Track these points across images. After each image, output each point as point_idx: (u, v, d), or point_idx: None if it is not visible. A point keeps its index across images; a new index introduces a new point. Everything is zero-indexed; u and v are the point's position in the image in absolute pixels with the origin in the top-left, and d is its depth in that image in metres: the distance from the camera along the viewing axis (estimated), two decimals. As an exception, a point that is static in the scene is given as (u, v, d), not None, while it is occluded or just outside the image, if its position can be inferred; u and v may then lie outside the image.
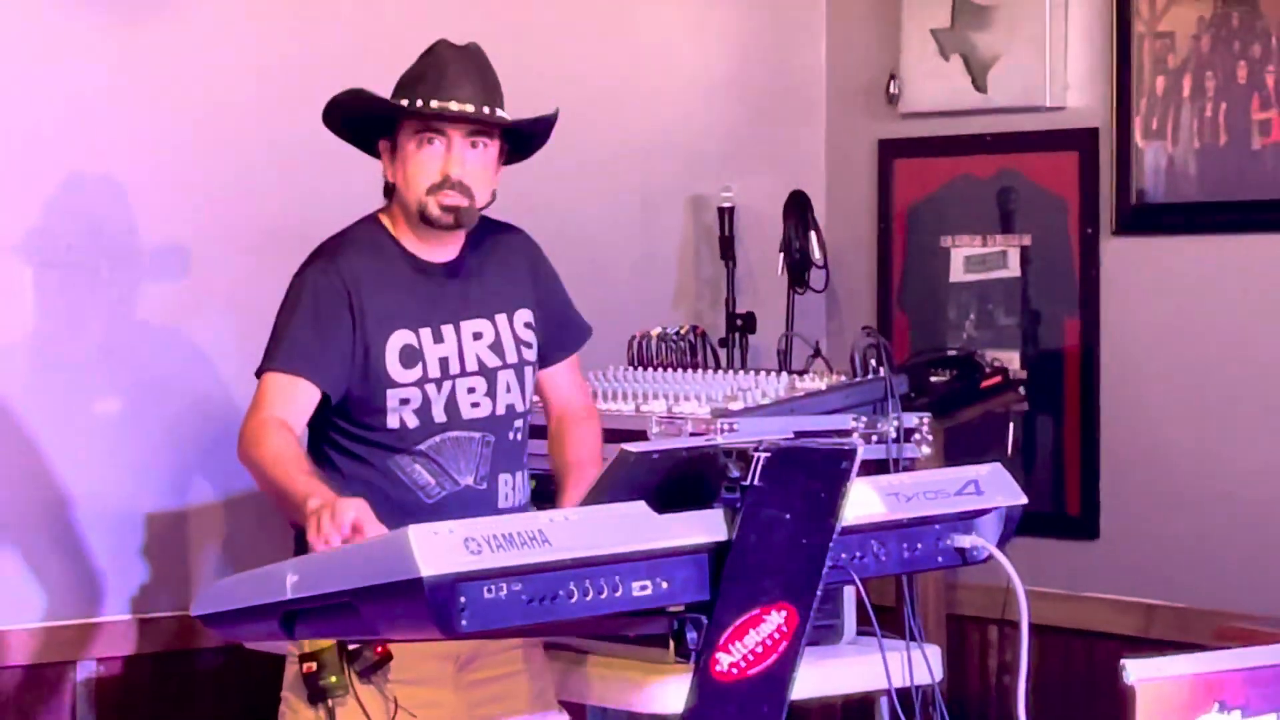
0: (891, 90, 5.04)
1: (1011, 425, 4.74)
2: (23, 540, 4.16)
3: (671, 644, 2.49)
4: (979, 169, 4.92)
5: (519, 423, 3.49)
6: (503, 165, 3.46)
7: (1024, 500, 2.79)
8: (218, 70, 4.37)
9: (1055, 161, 4.78)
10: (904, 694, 2.93)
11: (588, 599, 2.38)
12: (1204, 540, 4.55)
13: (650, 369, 4.37)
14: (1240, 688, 2.56)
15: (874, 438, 4.00)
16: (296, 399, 3.31)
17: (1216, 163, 4.52)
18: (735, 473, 2.46)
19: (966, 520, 2.74)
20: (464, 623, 2.29)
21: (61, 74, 4.20)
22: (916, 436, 4.07)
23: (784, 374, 4.24)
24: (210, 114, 4.35)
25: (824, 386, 4.13)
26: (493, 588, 2.31)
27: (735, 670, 2.46)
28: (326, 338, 3.34)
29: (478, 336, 3.45)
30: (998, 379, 4.58)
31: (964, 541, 2.73)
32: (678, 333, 4.50)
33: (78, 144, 4.22)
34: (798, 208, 4.89)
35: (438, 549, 2.27)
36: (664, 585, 2.43)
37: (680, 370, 4.35)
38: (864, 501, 2.60)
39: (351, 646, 3.28)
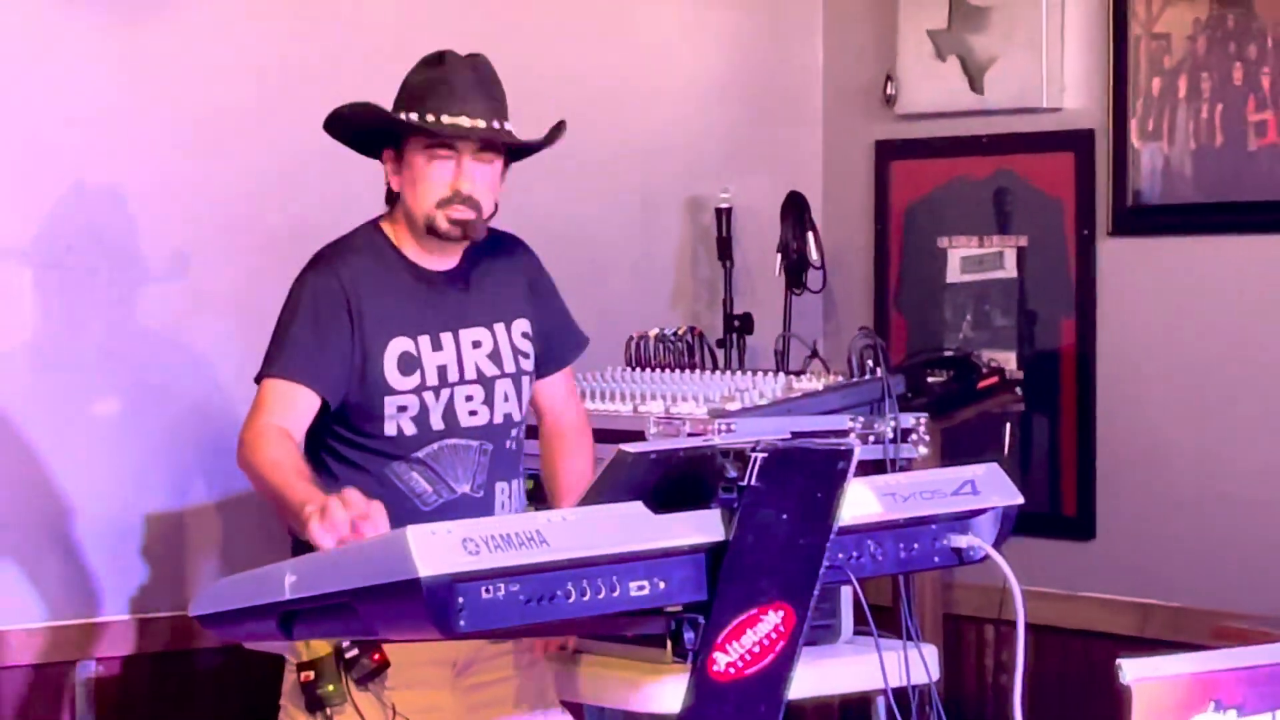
0: (888, 91, 5.04)
1: (1008, 425, 4.75)
2: (23, 541, 4.16)
3: (669, 644, 2.50)
4: (976, 170, 4.93)
5: (516, 431, 3.50)
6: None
7: (1020, 500, 2.80)
8: (218, 73, 4.37)
9: (1052, 163, 4.78)
10: (901, 693, 2.94)
11: (585, 599, 2.38)
12: (1200, 540, 4.55)
13: (648, 369, 4.37)
14: (1236, 687, 2.56)
15: (871, 438, 3.99)
16: (296, 406, 3.31)
17: (1212, 164, 4.52)
18: (733, 473, 2.46)
19: (963, 520, 2.75)
20: (462, 623, 2.29)
21: (62, 76, 4.20)
22: (913, 437, 4.07)
23: (781, 374, 4.24)
24: (210, 117, 4.35)
25: (821, 387, 4.13)
26: (490, 588, 2.31)
27: (733, 670, 2.47)
28: (326, 344, 3.34)
29: (476, 345, 3.45)
30: (994, 379, 4.58)
31: (960, 541, 2.74)
32: (675, 333, 4.50)
33: (77, 146, 4.22)
34: (795, 209, 4.89)
35: (436, 549, 2.27)
36: (661, 585, 2.44)
37: (678, 371, 4.35)
38: (861, 502, 2.61)
39: (349, 655, 3.29)
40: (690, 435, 3.70)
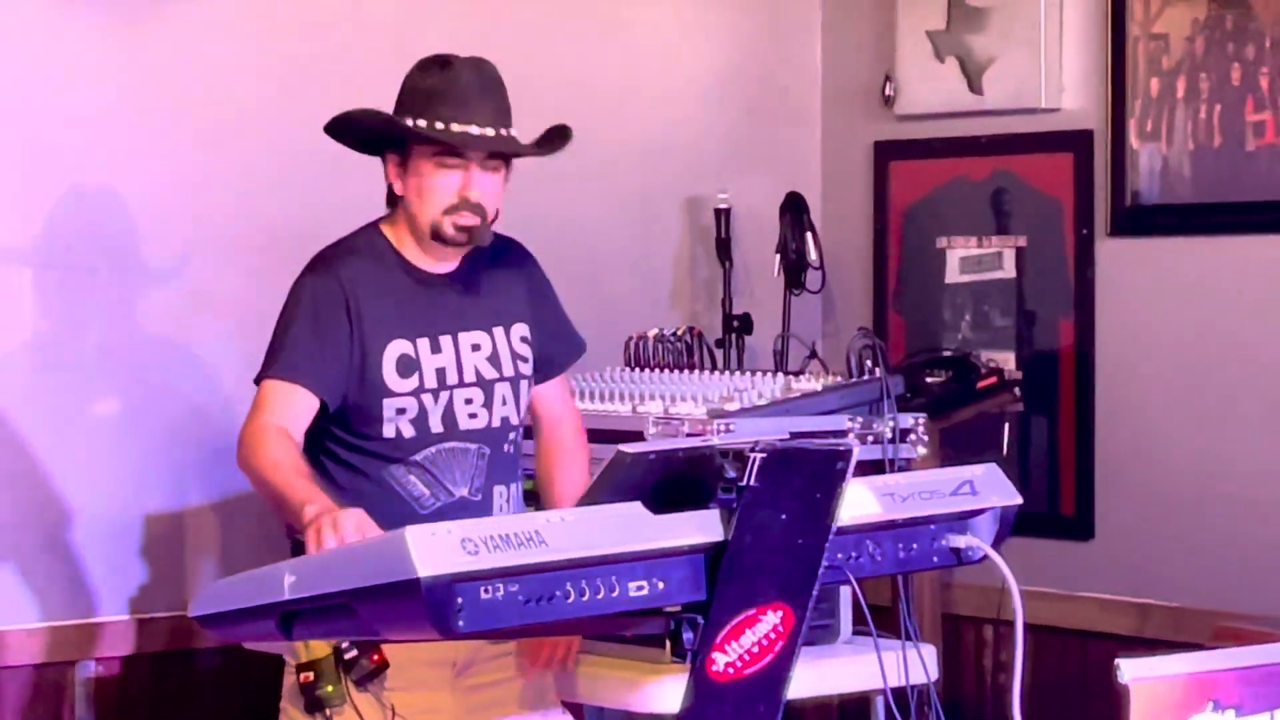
0: (887, 92, 5.05)
1: (1007, 426, 4.75)
2: (22, 542, 4.16)
3: (668, 644, 2.50)
4: (974, 171, 4.93)
5: (514, 435, 3.50)
6: None
7: (1019, 500, 2.80)
8: (218, 74, 4.37)
9: (1050, 163, 4.78)
10: (899, 693, 2.94)
11: (584, 599, 2.39)
12: (1198, 540, 4.56)
13: (647, 370, 4.37)
14: (1234, 687, 2.56)
15: (870, 438, 4.00)
16: (295, 406, 3.32)
17: (1211, 164, 4.53)
18: (731, 473, 2.47)
19: (962, 520, 2.75)
20: (461, 623, 2.30)
21: (62, 77, 4.20)
22: (912, 437, 4.07)
23: (780, 375, 4.25)
24: (210, 118, 4.35)
25: (820, 387, 4.13)
26: (489, 588, 2.31)
27: (731, 670, 2.47)
28: (325, 346, 3.35)
29: (475, 348, 3.45)
30: (993, 379, 4.59)
31: (959, 541, 2.74)
32: (674, 334, 4.51)
33: (77, 147, 4.22)
34: (794, 209, 4.89)
35: (435, 549, 2.28)
36: (660, 585, 2.44)
37: (677, 371, 4.35)
38: (860, 502, 2.61)
39: (348, 655, 3.29)
40: (689, 435, 3.69)
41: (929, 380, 4.51)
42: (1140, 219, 4.66)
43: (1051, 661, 4.65)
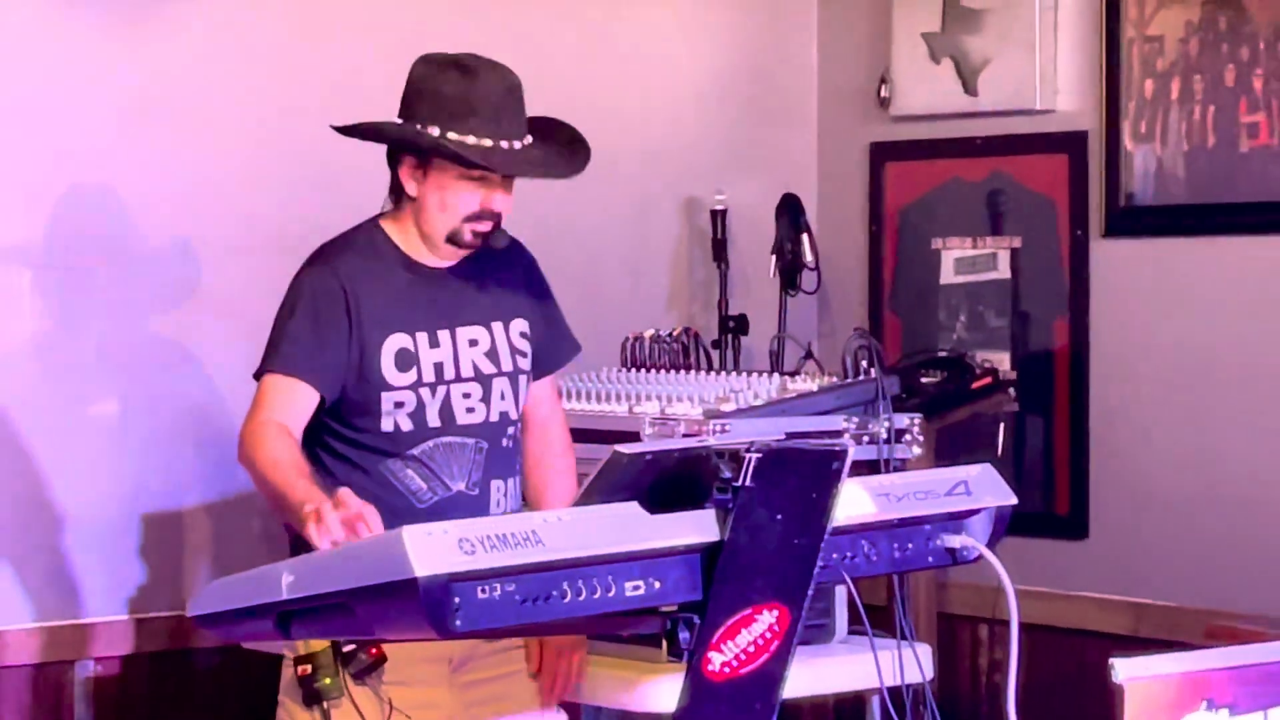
0: (882, 93, 5.05)
1: (1001, 426, 4.74)
2: (21, 542, 4.16)
3: (664, 643, 2.51)
4: (969, 172, 4.93)
5: (512, 430, 3.51)
6: None
7: (1014, 500, 2.81)
8: (218, 74, 4.37)
9: (1045, 164, 4.78)
10: (895, 692, 2.96)
11: (581, 599, 2.40)
12: (1192, 539, 4.56)
13: (643, 370, 4.38)
14: (1228, 686, 2.57)
15: (865, 438, 4.00)
16: (295, 402, 3.33)
17: (1205, 165, 4.53)
18: (727, 473, 2.48)
19: (957, 520, 2.76)
20: (458, 623, 2.31)
21: (61, 78, 4.20)
22: (907, 437, 4.07)
23: (776, 375, 4.25)
24: (210, 118, 4.35)
25: (815, 388, 4.13)
26: (486, 588, 2.33)
27: (728, 669, 2.48)
28: (324, 340, 3.35)
29: (473, 343, 3.46)
30: (988, 380, 4.58)
31: (954, 541, 2.75)
32: (671, 334, 4.51)
33: (77, 148, 4.22)
34: (789, 210, 4.90)
35: (432, 549, 2.29)
36: (656, 585, 2.45)
37: (673, 372, 4.35)
38: (855, 502, 2.62)
39: (346, 649, 3.28)
40: (685, 436, 3.72)
41: (924, 380, 4.51)
42: (1135, 220, 4.66)
43: (1046, 661, 4.64)
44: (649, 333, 4.50)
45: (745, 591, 2.48)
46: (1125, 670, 2.50)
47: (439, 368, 3.42)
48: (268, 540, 4.27)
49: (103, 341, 4.25)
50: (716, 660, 2.47)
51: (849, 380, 4.14)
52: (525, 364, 3.53)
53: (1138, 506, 4.66)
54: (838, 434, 3.92)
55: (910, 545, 2.73)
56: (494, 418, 3.46)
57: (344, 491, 3.00)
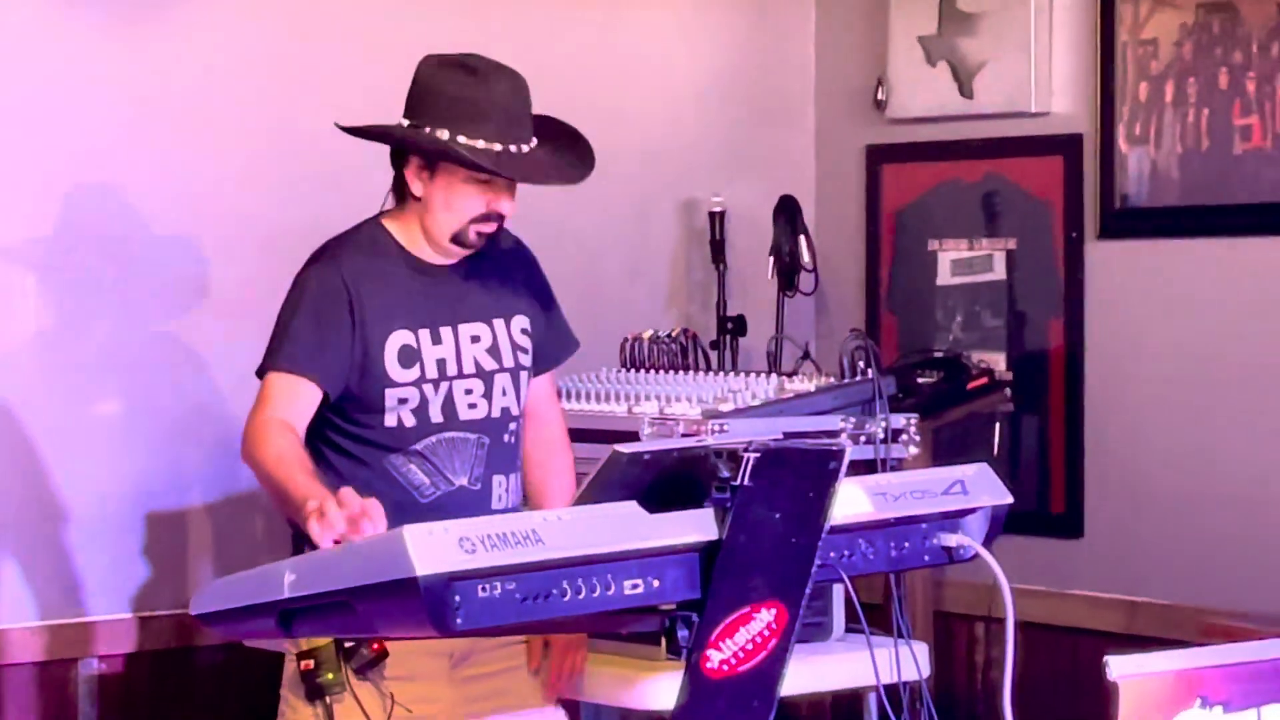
0: (879, 96, 5.06)
1: (997, 426, 4.75)
2: (25, 540, 4.18)
3: (663, 641, 2.51)
4: (965, 174, 4.94)
5: (514, 425, 3.51)
6: None
7: (1009, 499, 2.81)
8: (220, 75, 4.37)
9: (1040, 166, 4.79)
10: (892, 690, 2.95)
11: (580, 597, 2.40)
12: (1186, 538, 4.57)
13: (642, 371, 4.38)
14: (1222, 684, 2.58)
15: (862, 438, 3.99)
16: (299, 399, 3.34)
17: (1198, 167, 4.54)
18: (725, 473, 2.48)
19: (953, 519, 2.76)
20: (459, 621, 2.31)
21: (64, 79, 4.21)
22: (904, 437, 4.07)
23: (774, 376, 4.25)
24: (211, 118, 4.36)
25: (813, 388, 4.13)
26: (487, 586, 2.33)
27: (726, 667, 2.48)
28: (327, 338, 3.36)
29: (475, 339, 3.47)
30: (984, 380, 4.58)
31: (951, 540, 2.74)
32: (669, 335, 4.50)
33: (80, 148, 4.23)
34: (787, 212, 4.91)
35: (433, 548, 2.29)
36: (655, 584, 2.45)
37: (672, 372, 4.36)
38: (852, 501, 2.62)
39: (348, 644, 3.29)
40: (684, 436, 3.70)
41: (921, 381, 4.51)
42: (1129, 221, 4.67)
43: (1042, 658, 4.66)
44: (648, 333, 4.51)
45: (743, 590, 2.48)
46: (1120, 668, 2.51)
47: (441, 364, 3.43)
48: (270, 539, 4.29)
49: (107, 341, 4.25)
50: (715, 658, 2.48)
51: (846, 380, 4.13)
52: (526, 360, 3.54)
53: (1132, 505, 4.67)
54: (835, 434, 3.90)
55: (907, 544, 2.72)
56: (496, 413, 3.48)
57: (345, 491, 3.00)
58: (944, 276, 4.99)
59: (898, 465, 4.03)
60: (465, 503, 3.40)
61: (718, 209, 4.94)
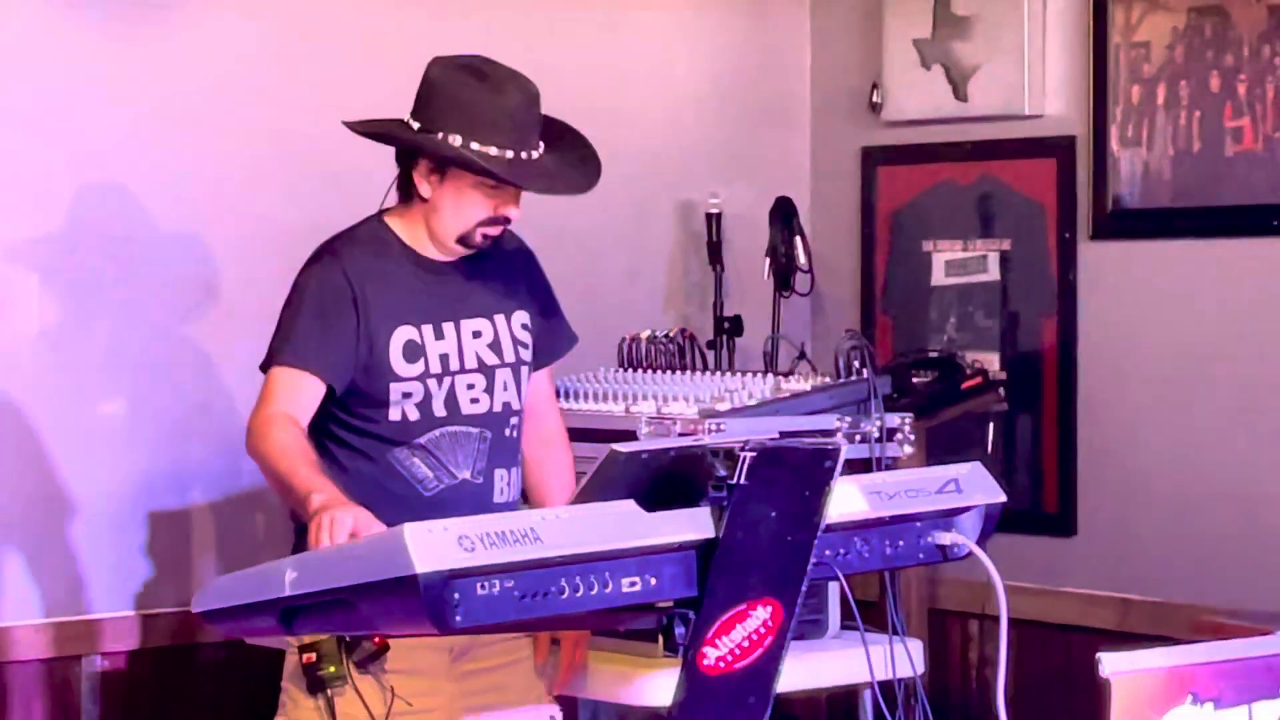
0: (874, 99, 5.06)
1: (991, 425, 4.76)
2: (29, 539, 4.18)
3: (660, 639, 2.52)
4: (960, 175, 4.94)
5: (515, 419, 3.53)
6: None
7: (1003, 498, 2.82)
8: (223, 75, 4.37)
9: (1034, 168, 4.80)
10: (887, 687, 2.94)
11: (578, 595, 2.40)
12: (1178, 536, 4.58)
13: (640, 370, 4.38)
14: (1213, 680, 2.58)
15: (857, 437, 4.00)
16: (303, 393, 3.35)
17: (1190, 169, 4.54)
18: (722, 472, 2.49)
19: (947, 518, 2.77)
20: (458, 618, 2.32)
21: (66, 80, 4.20)
22: (899, 436, 4.08)
23: (770, 375, 4.25)
24: (215, 118, 4.36)
25: (809, 387, 4.13)
26: (486, 584, 2.34)
27: (722, 664, 2.49)
28: (332, 333, 3.37)
29: (477, 335, 3.49)
30: (978, 380, 4.58)
31: (945, 538, 2.76)
32: (667, 335, 4.49)
33: (84, 148, 4.23)
34: (783, 213, 4.89)
35: (432, 546, 2.30)
36: (653, 581, 2.46)
37: (669, 372, 4.35)
38: (847, 499, 2.63)
39: (349, 638, 3.29)
40: (681, 435, 3.73)
41: (915, 380, 4.51)
42: (1121, 223, 4.67)
43: (1035, 655, 4.65)
44: (645, 334, 4.50)
45: (740, 587, 2.48)
46: (1112, 665, 2.51)
47: (445, 359, 3.45)
48: (272, 537, 4.29)
49: (109, 340, 4.25)
50: (712, 655, 2.48)
51: (842, 380, 4.13)
52: (527, 355, 3.55)
53: (1125, 504, 4.67)
54: (830, 433, 3.91)
55: (902, 542, 2.73)
56: (497, 408, 3.49)
57: (343, 511, 3.01)
58: (939, 277, 5.00)
59: (893, 464, 4.03)
60: (468, 496, 3.42)
61: (715, 210, 4.93)
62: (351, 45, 4.56)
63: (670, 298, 5.07)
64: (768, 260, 4.89)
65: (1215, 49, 4.51)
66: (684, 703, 2.50)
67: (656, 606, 2.51)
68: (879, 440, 4.01)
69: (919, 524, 2.75)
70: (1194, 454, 4.57)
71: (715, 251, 4.94)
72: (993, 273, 4.90)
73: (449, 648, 3.44)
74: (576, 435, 3.77)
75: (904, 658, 3.00)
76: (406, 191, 3.47)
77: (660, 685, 3.64)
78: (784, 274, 4.88)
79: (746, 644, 2.50)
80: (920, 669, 3.24)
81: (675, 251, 5.08)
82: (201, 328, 4.38)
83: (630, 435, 3.81)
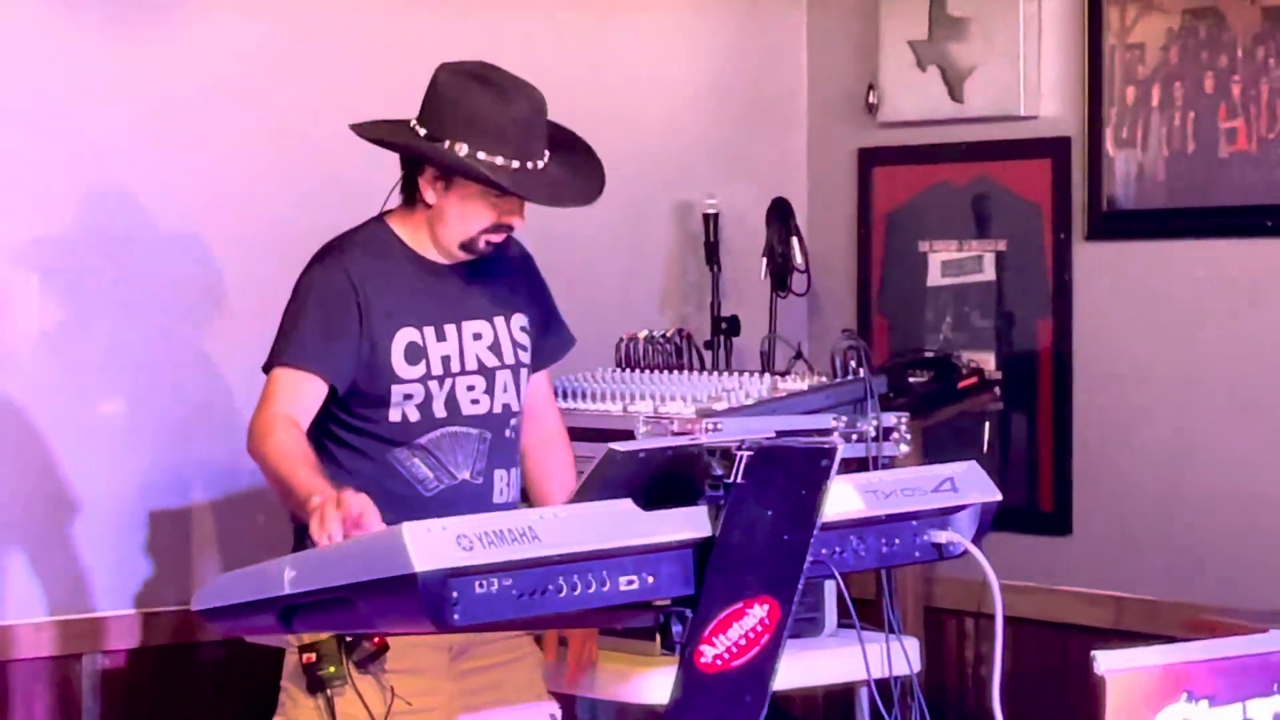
0: (870, 100, 5.06)
1: (987, 424, 4.76)
2: (30, 538, 4.18)
3: (658, 637, 2.53)
4: (955, 176, 4.94)
5: (514, 421, 3.54)
6: None
7: (999, 497, 2.82)
8: (224, 76, 4.37)
9: (1029, 169, 4.79)
10: (883, 684, 2.94)
11: (576, 593, 2.40)
12: (1172, 535, 4.58)
13: (637, 370, 4.38)
14: (1207, 678, 2.57)
15: (854, 437, 4.01)
16: (304, 394, 3.36)
17: (1185, 170, 4.55)
18: (719, 471, 2.49)
19: (943, 516, 2.77)
20: (456, 616, 2.32)
21: (67, 80, 4.21)
22: (895, 435, 4.09)
23: (767, 375, 4.25)
24: (217, 118, 4.36)
25: (805, 387, 4.13)
26: (484, 582, 2.33)
27: (719, 662, 2.48)
28: (334, 334, 3.39)
29: (477, 337, 3.50)
30: (974, 379, 4.59)
31: (941, 537, 2.76)
32: (664, 335, 4.50)
33: (84, 148, 4.23)
34: (780, 214, 4.88)
35: (431, 545, 2.30)
36: (650, 580, 2.46)
37: (666, 371, 4.36)
38: (844, 498, 2.63)
39: (349, 638, 3.30)
40: (678, 434, 3.74)
41: (911, 380, 4.52)
42: (1116, 223, 4.67)
43: (1030, 653, 4.65)
44: (643, 333, 4.51)
45: (737, 586, 2.48)
46: (1107, 663, 2.50)
47: (446, 361, 3.46)
48: (272, 536, 4.28)
49: (110, 341, 4.25)
50: (709, 653, 2.48)
51: (838, 380, 4.13)
52: (526, 357, 3.56)
53: (1119, 503, 4.68)
54: (827, 432, 3.92)
55: (898, 541, 2.73)
56: (497, 409, 3.50)
57: (348, 492, 3.02)
58: (934, 277, 5.00)
59: (889, 463, 4.05)
60: (468, 496, 3.43)
61: (712, 211, 4.93)
62: (352, 46, 4.56)
63: (667, 298, 5.07)
64: (764, 260, 4.88)
65: (1210, 50, 4.51)
66: (681, 701, 2.50)
67: (654, 605, 2.51)
68: (875, 439, 4.02)
69: (915, 523, 2.75)
70: (1188, 453, 4.58)
71: (712, 252, 4.94)
72: (988, 273, 4.90)
73: (448, 646, 3.45)
74: (574, 434, 3.78)
75: (900, 656, 2.99)
76: (410, 195, 3.48)
77: (657, 683, 3.65)
78: (781, 274, 4.87)
79: (743, 642, 2.50)
80: (916, 667, 3.24)
81: (672, 252, 5.08)
82: (201, 328, 4.38)
83: (628, 435, 3.82)
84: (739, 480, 2.48)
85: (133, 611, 4.30)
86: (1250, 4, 4.46)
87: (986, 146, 4.88)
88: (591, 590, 2.42)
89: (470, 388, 3.48)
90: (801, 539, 2.51)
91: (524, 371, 3.57)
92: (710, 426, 3.73)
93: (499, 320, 3.54)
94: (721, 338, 4.89)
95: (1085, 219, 4.74)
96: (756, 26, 5.20)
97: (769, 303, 4.89)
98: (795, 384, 4.20)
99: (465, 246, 3.46)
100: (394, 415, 3.43)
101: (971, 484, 2.80)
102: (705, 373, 4.38)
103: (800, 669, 3.80)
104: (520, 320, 3.57)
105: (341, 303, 3.41)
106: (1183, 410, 4.60)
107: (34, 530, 4.20)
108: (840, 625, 4.10)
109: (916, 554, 2.78)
